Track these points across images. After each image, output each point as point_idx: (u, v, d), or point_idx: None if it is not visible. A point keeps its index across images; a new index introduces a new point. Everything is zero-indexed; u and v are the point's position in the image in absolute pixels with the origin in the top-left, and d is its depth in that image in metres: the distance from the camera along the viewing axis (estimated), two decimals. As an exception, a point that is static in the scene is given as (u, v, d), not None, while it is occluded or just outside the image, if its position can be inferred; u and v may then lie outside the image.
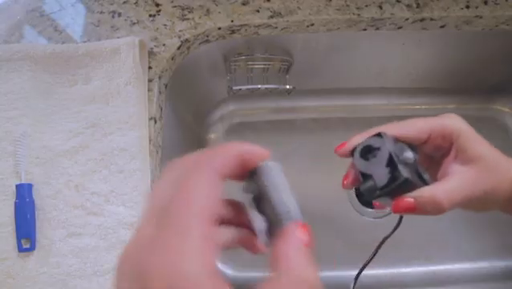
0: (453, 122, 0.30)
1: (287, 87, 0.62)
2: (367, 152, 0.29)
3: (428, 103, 0.76)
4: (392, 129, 0.30)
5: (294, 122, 0.75)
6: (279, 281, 0.19)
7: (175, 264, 0.17)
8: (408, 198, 0.28)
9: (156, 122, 0.48)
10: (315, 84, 0.71)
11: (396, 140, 0.30)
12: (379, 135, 0.29)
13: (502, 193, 0.29)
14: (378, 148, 0.28)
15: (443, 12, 0.54)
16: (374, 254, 0.33)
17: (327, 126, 0.74)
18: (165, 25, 0.52)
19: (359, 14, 0.53)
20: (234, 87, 0.61)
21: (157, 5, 0.53)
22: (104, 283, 0.41)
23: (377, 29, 0.56)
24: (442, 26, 0.56)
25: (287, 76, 0.64)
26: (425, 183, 0.29)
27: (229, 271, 0.66)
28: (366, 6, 0.53)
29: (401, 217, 0.32)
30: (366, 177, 0.29)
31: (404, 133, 0.31)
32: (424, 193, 0.28)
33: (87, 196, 0.43)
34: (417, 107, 0.76)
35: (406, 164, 0.28)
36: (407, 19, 0.54)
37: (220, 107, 0.75)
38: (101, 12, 0.53)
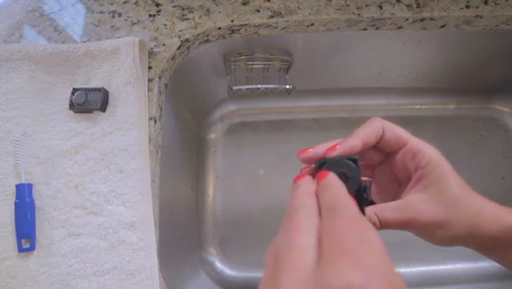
0: (429, 150, 0.29)
1: (287, 86, 0.62)
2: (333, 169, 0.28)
3: (428, 103, 0.76)
4: (354, 140, 0.29)
5: (294, 122, 0.75)
6: None
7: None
8: None
9: (155, 122, 0.48)
10: (315, 84, 0.71)
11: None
12: (354, 161, 0.28)
13: (460, 230, 0.28)
14: (348, 176, 0.27)
15: (443, 12, 0.54)
16: None
17: (327, 126, 0.74)
18: (165, 25, 0.52)
19: (359, 14, 0.53)
20: (234, 87, 0.61)
21: (157, 5, 0.53)
22: (104, 283, 0.41)
23: (377, 29, 0.56)
24: (442, 26, 0.56)
25: (287, 76, 0.64)
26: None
27: (229, 271, 0.66)
28: (366, 5, 0.53)
29: None
30: None
31: (367, 141, 0.30)
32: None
33: (87, 196, 0.43)
34: (417, 107, 0.76)
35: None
36: (407, 19, 0.54)
37: (220, 107, 0.75)
38: (101, 12, 0.53)
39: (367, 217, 0.28)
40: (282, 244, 0.21)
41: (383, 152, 0.32)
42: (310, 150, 0.30)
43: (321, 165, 0.28)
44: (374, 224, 0.28)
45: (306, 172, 0.31)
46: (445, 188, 0.28)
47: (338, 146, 0.29)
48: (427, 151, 0.29)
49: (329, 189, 0.24)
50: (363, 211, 0.28)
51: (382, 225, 0.28)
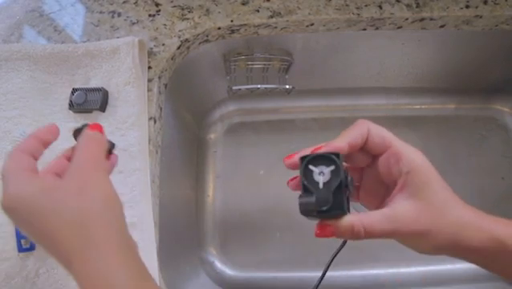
0: (413, 154, 0.29)
1: (287, 86, 0.62)
2: (316, 166, 0.28)
3: (427, 103, 0.76)
4: (340, 142, 0.29)
5: (294, 122, 0.75)
6: None
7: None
8: (330, 226, 0.28)
9: (155, 122, 0.48)
10: (315, 84, 0.71)
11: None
12: (336, 155, 0.28)
13: (443, 240, 0.27)
14: (332, 170, 0.28)
15: (443, 12, 0.54)
16: (325, 271, 0.33)
17: (327, 126, 0.74)
18: (165, 25, 0.52)
19: (358, 14, 0.53)
20: (234, 87, 0.61)
21: (157, 5, 0.53)
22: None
23: (377, 29, 0.56)
24: (442, 26, 0.56)
25: (287, 76, 0.64)
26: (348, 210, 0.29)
27: (229, 271, 0.66)
28: (366, 5, 0.53)
29: (345, 241, 0.32)
30: (308, 191, 0.28)
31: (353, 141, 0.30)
32: (343, 222, 0.28)
33: (87, 196, 0.43)
34: (417, 106, 0.76)
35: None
36: (406, 19, 0.54)
37: (220, 107, 0.75)
38: (101, 12, 0.53)
39: (351, 225, 0.28)
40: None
41: (369, 154, 0.32)
42: (296, 155, 0.30)
43: (304, 161, 0.29)
44: (358, 233, 0.28)
45: (292, 183, 0.31)
46: (428, 195, 0.28)
47: (323, 147, 0.29)
48: (410, 155, 0.29)
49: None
50: (346, 207, 0.28)
51: (366, 234, 0.28)
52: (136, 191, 0.43)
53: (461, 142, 0.73)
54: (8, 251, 0.41)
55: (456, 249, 0.28)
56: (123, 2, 0.53)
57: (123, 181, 0.44)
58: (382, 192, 0.32)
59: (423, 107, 0.76)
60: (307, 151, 0.30)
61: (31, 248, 0.41)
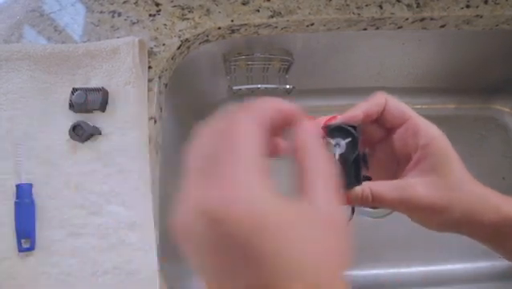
0: (432, 129, 0.29)
1: (287, 86, 0.62)
2: (333, 137, 0.28)
3: (428, 103, 0.76)
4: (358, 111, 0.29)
5: (294, 122, 0.75)
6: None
7: (238, 193, 0.17)
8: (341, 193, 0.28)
9: (155, 122, 0.48)
10: (315, 84, 0.71)
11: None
12: (354, 127, 0.28)
13: (459, 216, 0.27)
14: (348, 142, 0.28)
15: (443, 12, 0.54)
16: None
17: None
18: (165, 25, 0.52)
19: (359, 14, 0.53)
20: (234, 87, 0.61)
21: (157, 4, 0.53)
22: (104, 283, 0.41)
23: (377, 28, 0.56)
24: (442, 26, 0.56)
25: (287, 76, 0.64)
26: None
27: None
28: (366, 5, 0.53)
29: (353, 209, 0.32)
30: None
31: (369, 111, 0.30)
32: (353, 190, 0.28)
33: (87, 196, 0.43)
34: (417, 106, 0.76)
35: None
36: (407, 19, 0.54)
37: (220, 107, 0.75)
38: (101, 12, 0.53)
39: (360, 190, 0.28)
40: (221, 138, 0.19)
41: (384, 128, 0.31)
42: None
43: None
44: (366, 198, 0.28)
45: None
46: (447, 172, 0.28)
47: (338, 116, 0.29)
48: (430, 130, 0.29)
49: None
50: (359, 179, 0.28)
51: (374, 199, 0.28)
52: (136, 191, 0.43)
53: (461, 142, 0.73)
54: (8, 251, 0.41)
55: (471, 226, 0.28)
56: (124, 2, 0.53)
57: (123, 181, 0.44)
58: (393, 168, 0.32)
59: (423, 107, 0.76)
60: (322, 120, 0.30)
61: (31, 248, 0.41)
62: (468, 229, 0.28)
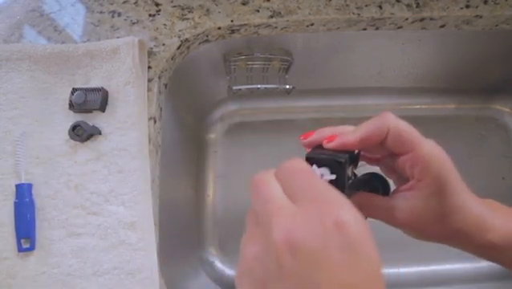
0: (435, 161, 0.28)
1: (287, 86, 0.62)
2: (320, 166, 0.28)
3: (428, 103, 0.76)
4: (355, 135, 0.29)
5: (294, 122, 0.75)
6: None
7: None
8: None
9: (155, 122, 0.48)
10: (315, 84, 0.71)
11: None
12: (345, 157, 0.28)
13: (450, 236, 0.28)
14: (331, 179, 0.27)
15: (443, 12, 0.54)
16: None
17: (327, 126, 0.74)
18: (165, 25, 0.52)
19: (358, 14, 0.53)
20: (234, 87, 0.61)
21: (157, 4, 0.53)
22: (104, 283, 0.41)
23: (377, 29, 0.56)
24: (442, 26, 0.56)
25: (287, 76, 0.64)
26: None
27: (229, 271, 0.66)
28: (366, 5, 0.53)
29: None
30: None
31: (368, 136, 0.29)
32: None
33: (87, 196, 0.43)
34: (417, 106, 0.76)
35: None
36: (406, 19, 0.54)
37: (220, 107, 0.75)
38: (101, 12, 0.53)
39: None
40: (259, 204, 0.23)
41: (387, 149, 0.31)
42: (312, 136, 0.30)
43: (308, 158, 0.29)
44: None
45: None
46: (447, 196, 0.27)
47: (336, 139, 0.29)
48: (432, 165, 0.28)
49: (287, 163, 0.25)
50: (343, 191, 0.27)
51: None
52: (136, 191, 0.43)
53: (461, 142, 0.73)
54: (8, 251, 0.41)
55: (461, 245, 0.29)
56: (124, 2, 0.53)
57: (123, 181, 0.44)
58: (393, 177, 0.33)
59: (423, 107, 0.76)
60: (324, 134, 0.30)
61: (31, 248, 0.41)
62: (459, 247, 0.29)
